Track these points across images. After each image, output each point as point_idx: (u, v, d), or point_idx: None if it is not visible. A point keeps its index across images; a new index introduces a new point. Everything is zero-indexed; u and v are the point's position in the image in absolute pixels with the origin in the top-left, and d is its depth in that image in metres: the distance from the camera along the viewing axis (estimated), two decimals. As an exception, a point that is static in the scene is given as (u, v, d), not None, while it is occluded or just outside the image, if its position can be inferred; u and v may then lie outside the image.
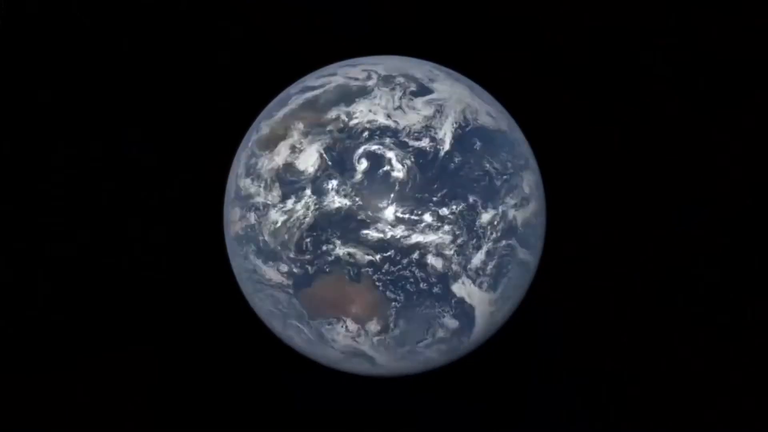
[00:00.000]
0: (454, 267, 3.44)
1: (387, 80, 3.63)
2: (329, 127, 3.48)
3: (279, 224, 3.46)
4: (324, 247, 3.40)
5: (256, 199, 3.56)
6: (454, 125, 3.53)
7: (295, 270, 3.47)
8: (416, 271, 3.41)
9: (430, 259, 3.41)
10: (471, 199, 3.44)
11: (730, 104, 4.72)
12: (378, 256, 3.37)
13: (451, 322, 3.54)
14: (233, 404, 4.52)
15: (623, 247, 4.72)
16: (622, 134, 4.76)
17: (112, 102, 4.71)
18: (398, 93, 3.57)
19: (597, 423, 4.49)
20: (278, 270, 3.51)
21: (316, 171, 3.43)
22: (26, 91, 4.65)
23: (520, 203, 3.60)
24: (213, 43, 4.72)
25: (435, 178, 3.41)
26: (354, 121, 3.47)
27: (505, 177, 3.56)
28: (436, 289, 3.44)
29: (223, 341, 4.59)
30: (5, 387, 4.46)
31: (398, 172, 3.38)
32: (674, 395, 4.53)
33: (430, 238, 3.39)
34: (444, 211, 3.40)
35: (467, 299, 3.52)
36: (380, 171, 3.39)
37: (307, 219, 3.42)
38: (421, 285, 3.42)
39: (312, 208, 3.41)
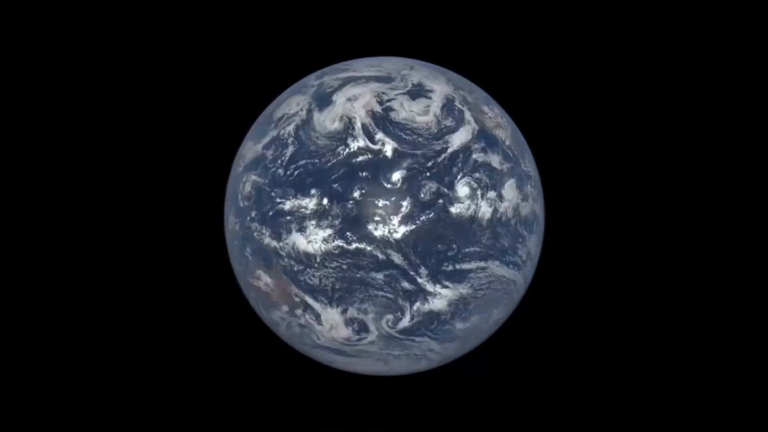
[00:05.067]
0: None
1: None
2: None
3: None
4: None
5: None
6: None
7: None
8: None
9: None
10: None
11: (730, 104, 4.73)
12: None
13: None
14: (234, 404, 4.52)
15: (623, 247, 4.72)
16: (622, 134, 4.77)
17: (111, 102, 4.71)
18: None
19: (597, 423, 4.50)
20: None
21: None
22: (26, 90, 4.64)
23: None
24: (213, 42, 4.72)
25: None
26: None
27: None
28: None
29: (222, 341, 4.59)
30: (5, 387, 4.46)
31: None
32: (674, 395, 4.54)
33: None
34: None
35: None
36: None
37: None
38: None
39: None
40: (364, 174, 3.53)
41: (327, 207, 3.53)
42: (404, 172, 3.53)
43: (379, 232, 3.51)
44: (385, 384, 4.36)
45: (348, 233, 3.52)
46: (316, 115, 3.69)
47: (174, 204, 4.68)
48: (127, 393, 4.50)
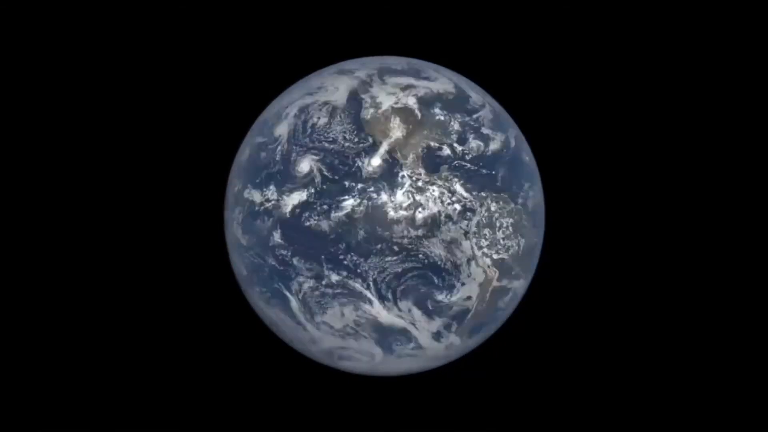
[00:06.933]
0: None
1: None
2: None
3: None
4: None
5: None
6: None
7: None
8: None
9: None
10: None
11: (730, 104, 4.73)
12: None
13: None
14: (234, 404, 4.52)
15: (623, 247, 4.72)
16: (622, 134, 4.77)
17: (111, 102, 4.71)
18: None
19: (597, 423, 4.50)
20: None
21: None
22: (26, 90, 4.64)
23: None
24: (214, 42, 4.72)
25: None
26: None
27: None
28: None
29: (222, 341, 4.59)
30: (5, 387, 4.46)
31: None
32: (674, 395, 4.54)
33: None
34: None
35: None
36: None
37: None
38: None
39: None
40: None
41: None
42: None
43: None
44: (385, 384, 4.36)
45: None
46: None
47: (174, 204, 4.69)
48: (127, 393, 4.50)
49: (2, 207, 4.57)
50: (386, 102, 3.74)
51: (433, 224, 3.64)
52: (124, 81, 4.70)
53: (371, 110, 3.71)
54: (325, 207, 3.58)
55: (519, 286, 3.93)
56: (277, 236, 3.68)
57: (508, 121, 4.04)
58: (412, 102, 3.74)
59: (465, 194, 3.65)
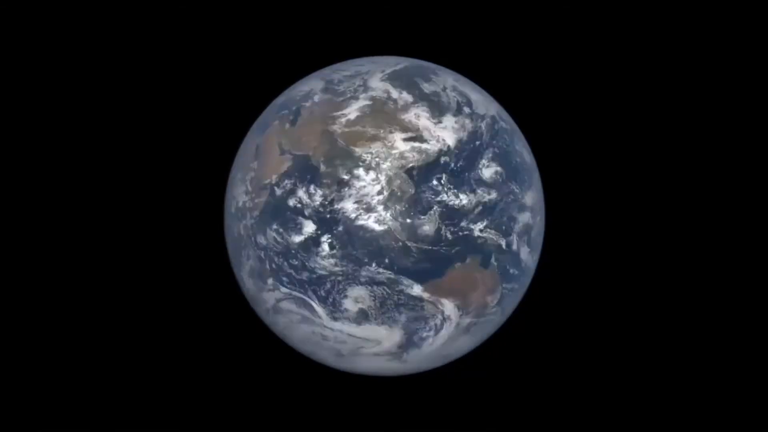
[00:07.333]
0: None
1: None
2: None
3: None
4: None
5: None
6: None
7: None
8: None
9: None
10: None
11: (729, 103, 4.73)
12: None
13: None
14: (234, 404, 4.52)
15: (623, 247, 4.72)
16: (621, 134, 4.77)
17: (111, 102, 4.71)
18: None
19: (597, 423, 4.50)
20: None
21: None
22: (26, 90, 4.64)
23: None
24: (214, 42, 4.73)
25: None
26: None
27: None
28: None
29: (222, 341, 4.60)
30: (5, 387, 4.46)
31: None
32: (674, 395, 4.55)
33: None
34: None
35: None
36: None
37: None
38: None
39: None
40: None
41: None
42: None
43: None
44: (385, 384, 4.36)
45: None
46: None
47: (174, 204, 4.69)
48: (127, 393, 4.50)
49: (3, 209, 4.58)
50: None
51: None
52: (124, 81, 4.71)
53: None
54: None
55: None
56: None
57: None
58: None
59: None
